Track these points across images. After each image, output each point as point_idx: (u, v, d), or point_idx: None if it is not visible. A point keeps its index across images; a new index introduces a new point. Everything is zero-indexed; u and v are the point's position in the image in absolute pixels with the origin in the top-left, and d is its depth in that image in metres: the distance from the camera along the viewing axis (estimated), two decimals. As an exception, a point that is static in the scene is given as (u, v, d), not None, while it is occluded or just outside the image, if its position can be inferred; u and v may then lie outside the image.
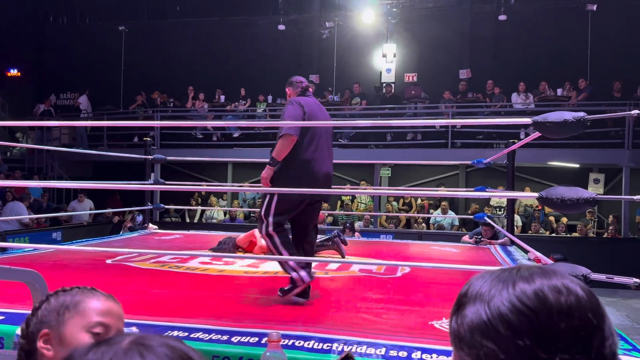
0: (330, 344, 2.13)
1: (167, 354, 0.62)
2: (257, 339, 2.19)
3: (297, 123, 3.01)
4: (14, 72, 15.31)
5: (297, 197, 3.03)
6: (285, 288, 2.97)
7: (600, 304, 0.65)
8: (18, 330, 1.16)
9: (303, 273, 2.91)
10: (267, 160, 3.09)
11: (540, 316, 0.61)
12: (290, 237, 3.19)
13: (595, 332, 0.62)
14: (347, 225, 7.35)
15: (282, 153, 3.02)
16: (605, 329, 0.63)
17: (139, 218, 6.51)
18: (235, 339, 2.19)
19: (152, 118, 12.02)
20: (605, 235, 10.26)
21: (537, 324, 0.61)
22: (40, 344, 1.10)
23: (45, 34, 15.47)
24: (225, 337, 2.20)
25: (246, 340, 2.18)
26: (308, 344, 2.14)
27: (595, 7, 11.38)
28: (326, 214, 10.79)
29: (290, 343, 2.13)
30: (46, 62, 15.37)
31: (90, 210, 10.64)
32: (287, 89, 3.34)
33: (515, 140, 5.61)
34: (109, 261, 4.18)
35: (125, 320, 2.50)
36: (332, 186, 3.49)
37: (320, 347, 2.12)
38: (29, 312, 1.17)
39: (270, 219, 3.03)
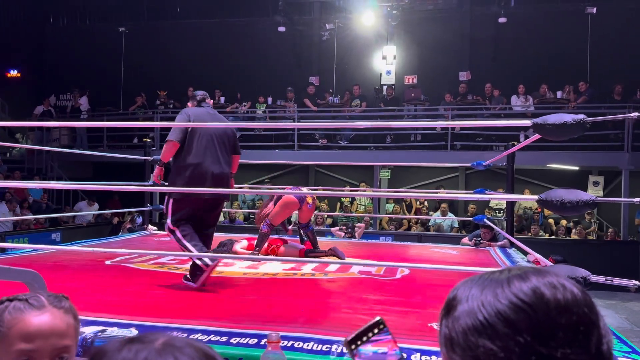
0: (329, 346, 2.13)
1: (196, 355, 0.62)
2: (256, 340, 2.19)
3: (201, 124, 3.47)
4: (13, 72, 15.31)
5: (192, 198, 3.38)
6: (189, 275, 3.32)
7: (594, 302, 0.65)
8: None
9: (206, 259, 3.25)
10: (266, 162, 3.33)
11: (539, 312, 0.61)
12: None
13: (593, 328, 0.62)
14: (348, 228, 7.34)
15: (165, 155, 3.49)
16: (601, 327, 0.63)
17: (139, 220, 6.51)
18: (235, 340, 2.19)
19: (152, 119, 12.02)
20: (604, 238, 10.26)
21: (536, 320, 0.61)
22: None
23: (45, 35, 15.47)
24: (224, 339, 2.20)
25: (245, 341, 2.18)
26: (307, 345, 2.14)
27: (595, 10, 11.40)
28: (325, 216, 10.78)
29: (289, 344, 2.13)
30: (46, 63, 15.37)
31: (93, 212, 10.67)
32: (188, 103, 3.85)
33: (515, 143, 5.62)
34: (108, 262, 4.18)
35: (125, 321, 2.50)
36: (333, 188, 3.73)
37: (319, 348, 2.12)
38: None
39: (169, 218, 3.44)
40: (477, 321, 0.63)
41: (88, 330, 2.21)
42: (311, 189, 10.50)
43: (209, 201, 3.50)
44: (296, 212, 4.93)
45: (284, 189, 4.86)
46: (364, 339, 0.83)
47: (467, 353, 0.63)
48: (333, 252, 4.62)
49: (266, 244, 4.77)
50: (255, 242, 4.73)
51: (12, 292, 1.13)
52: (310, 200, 4.68)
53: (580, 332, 0.61)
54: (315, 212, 11.19)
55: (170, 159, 3.51)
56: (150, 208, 6.65)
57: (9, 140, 12.46)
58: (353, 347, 0.82)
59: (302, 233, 4.92)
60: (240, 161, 4.03)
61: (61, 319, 1.05)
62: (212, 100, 3.87)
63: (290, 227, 5.27)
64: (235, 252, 4.78)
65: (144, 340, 0.63)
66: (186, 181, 3.38)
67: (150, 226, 6.47)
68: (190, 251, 3.36)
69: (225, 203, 3.74)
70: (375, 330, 0.85)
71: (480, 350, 0.62)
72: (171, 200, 3.47)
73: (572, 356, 0.59)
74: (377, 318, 0.85)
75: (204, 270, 3.23)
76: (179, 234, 3.42)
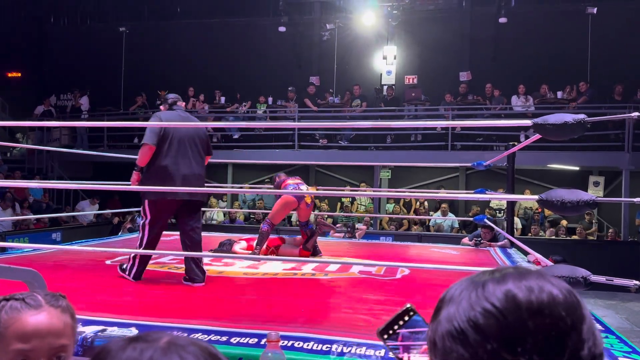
0: (329, 345, 2.13)
1: (201, 354, 0.62)
2: (256, 339, 2.19)
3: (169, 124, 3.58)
4: (14, 72, 15.33)
5: (167, 199, 3.50)
6: (124, 266, 3.57)
7: (580, 304, 0.60)
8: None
9: (136, 265, 3.48)
10: (267, 162, 3.34)
11: (509, 316, 0.58)
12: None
13: (570, 332, 0.58)
14: (348, 227, 7.35)
15: (142, 159, 3.56)
16: (583, 330, 0.59)
17: (139, 220, 6.51)
18: (234, 339, 2.19)
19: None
20: (605, 238, 10.26)
21: (505, 325, 0.58)
22: None
23: (45, 35, 15.48)
24: (224, 338, 2.20)
25: (245, 341, 2.18)
26: (307, 345, 2.14)
27: (595, 10, 11.39)
28: (326, 216, 10.78)
29: (289, 344, 2.13)
30: (47, 63, 15.37)
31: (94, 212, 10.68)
32: (160, 106, 3.95)
33: (515, 143, 5.61)
34: (108, 262, 4.19)
35: (125, 321, 2.50)
36: (333, 188, 3.73)
37: (319, 348, 2.12)
38: None
39: (147, 219, 3.57)
40: (452, 327, 0.61)
41: (88, 330, 2.21)
42: (311, 188, 10.51)
43: (182, 202, 3.55)
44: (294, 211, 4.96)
45: (286, 188, 4.83)
46: (396, 327, 0.82)
47: (444, 357, 0.62)
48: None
49: (265, 245, 4.78)
50: (255, 242, 4.74)
51: (12, 292, 1.13)
52: (309, 200, 4.69)
53: (552, 337, 0.57)
54: (316, 212, 11.24)
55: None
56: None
57: (9, 140, 12.47)
58: (385, 336, 0.81)
59: (302, 231, 4.94)
60: (241, 161, 4.10)
61: (58, 318, 1.04)
62: (184, 103, 3.97)
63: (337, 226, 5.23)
64: (234, 253, 4.78)
65: (147, 339, 0.63)
66: (159, 183, 3.43)
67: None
68: (137, 252, 3.51)
69: (208, 202, 3.79)
70: (406, 318, 0.83)
71: (454, 355, 0.60)
72: (146, 202, 3.54)
73: None
74: (407, 305, 0.84)
75: (136, 262, 3.49)
76: (145, 235, 3.56)
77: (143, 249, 3.52)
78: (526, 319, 0.57)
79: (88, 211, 10.55)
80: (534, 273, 0.63)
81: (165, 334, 0.65)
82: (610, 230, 10.12)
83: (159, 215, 3.56)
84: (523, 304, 0.58)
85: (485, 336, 0.58)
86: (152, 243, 3.58)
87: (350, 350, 2.08)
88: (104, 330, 2.24)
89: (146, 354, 0.60)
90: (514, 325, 0.57)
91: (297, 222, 5.03)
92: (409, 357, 0.81)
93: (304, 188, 4.74)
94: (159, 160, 3.51)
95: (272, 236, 4.96)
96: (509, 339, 0.57)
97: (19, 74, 15.39)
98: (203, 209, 11.45)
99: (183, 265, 4.02)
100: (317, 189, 5.07)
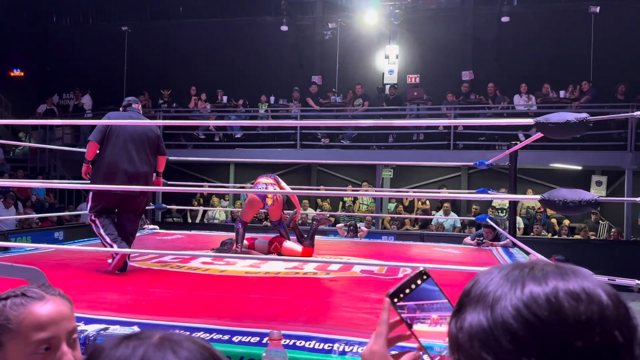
0: (331, 344, 2.13)
1: (195, 349, 0.62)
2: (258, 338, 2.19)
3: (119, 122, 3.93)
4: (17, 72, 15.36)
5: (106, 193, 3.84)
6: (109, 260, 3.74)
7: (630, 313, 0.53)
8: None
9: (115, 247, 3.71)
10: (269, 161, 3.48)
11: (552, 329, 0.51)
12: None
13: (622, 352, 0.50)
14: (351, 227, 7.35)
15: (88, 153, 3.96)
16: (635, 349, 0.51)
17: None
18: (237, 338, 2.19)
19: (155, 118, 12.03)
20: (607, 238, 10.23)
21: (548, 339, 0.50)
22: None
23: (48, 34, 15.50)
24: (226, 337, 2.20)
25: (247, 340, 2.18)
26: (309, 344, 2.14)
27: (598, 9, 11.36)
28: (328, 215, 10.77)
29: (291, 343, 2.13)
30: (49, 62, 15.39)
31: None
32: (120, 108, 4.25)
33: (518, 142, 5.60)
34: (110, 261, 4.19)
35: (127, 319, 2.51)
36: (334, 187, 3.80)
37: (321, 347, 2.12)
38: None
39: (88, 210, 3.92)
40: (482, 329, 0.55)
41: (90, 329, 2.22)
42: (312, 189, 10.52)
43: (120, 197, 3.88)
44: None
45: (256, 187, 4.89)
46: (407, 291, 0.78)
47: (467, 357, 0.57)
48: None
49: (267, 243, 4.79)
50: (255, 242, 4.77)
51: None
52: (269, 202, 4.68)
53: (601, 357, 0.50)
54: (317, 211, 11.24)
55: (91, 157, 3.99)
56: (153, 207, 6.66)
57: (12, 139, 12.49)
58: (396, 300, 0.78)
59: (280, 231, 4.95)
60: (243, 160, 4.18)
61: (63, 304, 1.08)
62: (139, 105, 4.24)
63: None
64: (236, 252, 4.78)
65: (141, 337, 0.63)
66: (101, 177, 3.83)
67: (149, 225, 6.48)
68: (106, 241, 3.80)
69: (148, 199, 4.16)
70: (419, 282, 0.79)
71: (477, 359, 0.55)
72: (90, 194, 3.98)
73: None
74: (420, 268, 0.80)
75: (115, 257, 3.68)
76: (98, 225, 3.85)
77: (107, 234, 3.80)
78: (573, 336, 0.50)
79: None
80: (576, 272, 0.56)
81: (160, 331, 0.65)
82: (613, 230, 10.10)
83: (99, 204, 3.89)
84: (569, 316, 0.51)
85: (522, 349, 0.51)
86: (111, 230, 3.83)
87: (352, 350, 2.08)
88: (106, 328, 2.24)
89: (139, 351, 0.61)
90: (559, 341, 0.50)
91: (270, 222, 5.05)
92: (418, 325, 0.77)
93: (270, 188, 4.72)
94: (103, 155, 3.88)
95: (274, 235, 4.96)
96: (551, 356, 0.50)
97: (22, 73, 15.43)
98: (204, 208, 11.59)
99: (185, 264, 4.05)
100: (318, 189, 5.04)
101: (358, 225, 7.60)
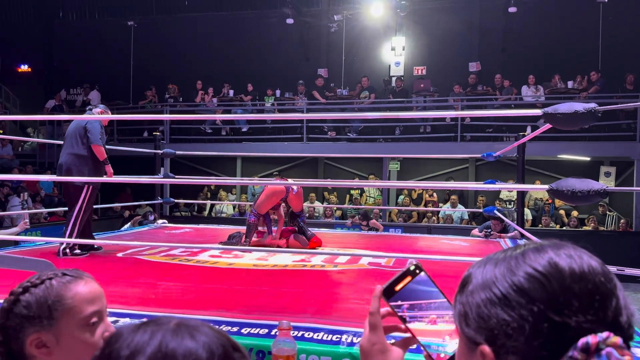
0: (339, 336, 2.14)
1: (213, 334, 0.64)
2: (266, 330, 2.20)
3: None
4: (24, 67, 15.43)
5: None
6: (75, 249, 4.22)
7: (613, 274, 0.64)
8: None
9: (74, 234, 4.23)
10: (276, 154, 3.47)
11: (553, 280, 0.61)
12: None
13: (611, 297, 0.61)
14: (359, 216, 7.43)
15: (102, 155, 4.40)
16: (620, 297, 0.62)
17: (151, 217, 6.62)
18: (245, 330, 2.21)
19: (162, 113, 12.07)
20: (616, 229, 10.17)
21: (550, 288, 0.60)
22: (32, 349, 1.04)
23: (54, 30, 15.55)
24: (235, 329, 2.22)
25: (256, 331, 2.20)
26: (317, 336, 2.15)
27: (606, -1, 11.25)
28: (335, 208, 10.79)
29: (299, 334, 2.14)
30: (56, 58, 15.46)
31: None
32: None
33: (525, 133, 5.57)
34: (120, 254, 4.22)
35: (136, 312, 2.53)
36: (341, 179, 3.77)
37: (329, 338, 2.13)
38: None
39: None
40: (491, 293, 0.63)
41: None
42: (319, 181, 10.53)
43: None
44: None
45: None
46: (400, 286, 0.78)
47: (480, 325, 0.63)
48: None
49: (278, 236, 4.80)
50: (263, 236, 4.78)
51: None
52: (295, 187, 4.69)
53: (595, 300, 0.60)
54: (324, 205, 11.25)
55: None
56: (161, 201, 6.69)
57: (20, 135, 12.57)
58: (389, 294, 0.77)
59: (291, 222, 4.91)
60: (250, 154, 4.17)
61: (95, 283, 1.16)
62: (99, 109, 4.66)
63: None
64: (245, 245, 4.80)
65: (158, 322, 0.64)
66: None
67: (158, 219, 6.51)
68: (74, 225, 4.29)
69: (87, 187, 4.35)
70: (412, 277, 0.79)
71: (493, 321, 0.62)
72: (92, 187, 4.45)
73: (586, 324, 0.59)
74: (414, 262, 0.80)
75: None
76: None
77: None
78: (570, 284, 0.60)
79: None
80: (569, 244, 0.67)
81: (175, 318, 0.66)
82: (622, 221, 10.04)
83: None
84: (566, 270, 0.62)
85: (530, 298, 0.60)
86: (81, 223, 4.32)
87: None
88: (116, 321, 2.26)
89: (157, 336, 0.62)
90: (559, 288, 0.60)
91: (288, 214, 4.95)
92: (413, 322, 0.77)
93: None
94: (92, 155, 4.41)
95: (284, 227, 4.97)
96: (555, 301, 0.60)
97: (29, 69, 15.50)
98: (212, 202, 11.63)
99: (194, 258, 4.07)
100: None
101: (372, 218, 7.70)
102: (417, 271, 0.78)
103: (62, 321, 1.07)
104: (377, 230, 7.27)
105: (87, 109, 4.76)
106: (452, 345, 0.74)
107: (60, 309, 1.07)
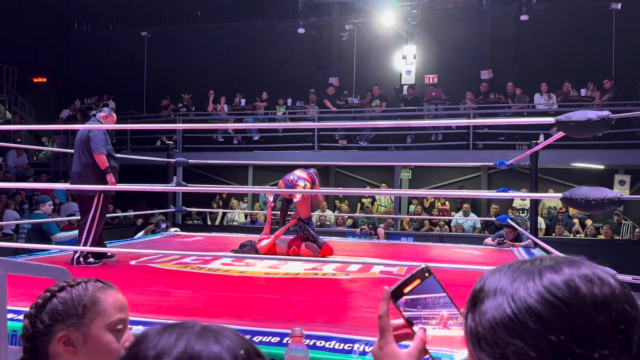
0: (351, 345, 2.14)
1: (236, 339, 0.66)
2: (278, 338, 2.20)
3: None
4: (40, 78, 15.66)
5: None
6: (88, 258, 4.23)
7: (634, 296, 0.60)
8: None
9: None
10: (287, 163, 3.47)
11: (574, 308, 0.56)
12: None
13: (635, 325, 0.57)
14: (369, 226, 7.44)
15: (104, 164, 4.37)
16: None
17: (163, 225, 6.67)
18: (257, 338, 2.21)
19: (175, 122, 12.17)
20: (631, 238, 10.04)
21: (571, 318, 0.56)
22: (59, 346, 1.08)
23: (69, 40, 15.79)
24: (247, 337, 2.21)
25: (268, 340, 2.20)
26: (329, 344, 2.14)
27: (619, 6, 11.16)
28: (346, 217, 10.77)
29: (311, 343, 2.14)
30: (71, 68, 15.68)
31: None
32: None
33: (538, 141, 5.54)
34: (133, 262, 4.25)
35: (149, 320, 2.54)
36: (352, 188, 3.78)
37: (341, 347, 2.12)
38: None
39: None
40: (506, 316, 0.58)
41: (114, 329, 2.25)
42: (331, 190, 10.53)
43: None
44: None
45: (297, 186, 4.84)
46: (409, 289, 0.77)
47: (495, 350, 0.59)
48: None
49: (286, 246, 4.80)
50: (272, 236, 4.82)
51: (41, 289, 1.16)
52: (298, 196, 4.70)
53: (620, 331, 0.56)
54: (335, 214, 11.24)
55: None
56: (174, 209, 6.73)
57: (35, 144, 12.73)
58: (397, 296, 0.77)
59: (300, 229, 4.84)
60: (261, 162, 4.16)
61: (122, 295, 1.22)
62: (103, 113, 4.67)
63: None
64: (258, 251, 4.80)
65: (183, 326, 0.66)
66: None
67: (170, 227, 6.55)
68: (88, 237, 4.29)
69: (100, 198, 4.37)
70: (421, 280, 0.78)
71: (510, 348, 0.57)
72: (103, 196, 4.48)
73: (611, 358, 0.55)
74: (422, 265, 0.80)
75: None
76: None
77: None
78: (593, 313, 0.56)
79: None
80: (585, 262, 0.63)
81: (200, 323, 0.68)
82: (637, 230, 9.90)
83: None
84: (587, 296, 0.57)
85: (549, 327, 0.56)
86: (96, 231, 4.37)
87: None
88: (129, 329, 2.27)
89: (182, 340, 0.63)
90: (581, 318, 0.56)
91: (300, 219, 4.89)
92: (419, 325, 0.76)
93: (301, 183, 4.73)
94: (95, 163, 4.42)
95: (292, 236, 4.97)
96: (577, 332, 0.56)
97: (44, 79, 15.72)
98: (224, 210, 11.67)
99: (206, 266, 4.08)
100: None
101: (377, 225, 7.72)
102: (427, 274, 0.78)
103: (92, 323, 1.12)
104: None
105: (91, 114, 4.73)
106: (460, 355, 0.72)
107: (93, 310, 1.13)
